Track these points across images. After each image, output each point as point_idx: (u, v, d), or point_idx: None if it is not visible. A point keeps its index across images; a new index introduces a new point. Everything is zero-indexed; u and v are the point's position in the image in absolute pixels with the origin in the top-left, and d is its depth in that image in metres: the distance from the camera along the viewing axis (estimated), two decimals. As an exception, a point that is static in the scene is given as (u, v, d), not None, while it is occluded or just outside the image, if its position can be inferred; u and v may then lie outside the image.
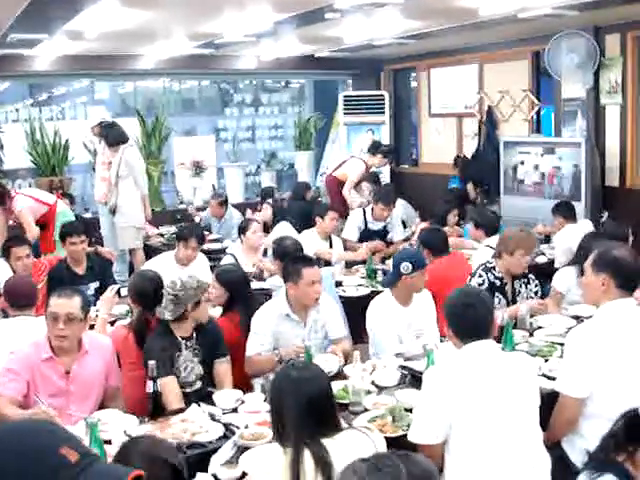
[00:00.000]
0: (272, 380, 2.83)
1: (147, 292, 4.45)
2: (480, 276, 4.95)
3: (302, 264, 4.48)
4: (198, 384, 4.08)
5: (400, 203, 9.36)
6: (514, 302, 4.97)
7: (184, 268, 6.04)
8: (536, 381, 3.25)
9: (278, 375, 2.82)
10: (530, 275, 5.20)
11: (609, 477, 2.25)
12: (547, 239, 7.61)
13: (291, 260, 4.66)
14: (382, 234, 7.53)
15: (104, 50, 9.44)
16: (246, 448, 3.16)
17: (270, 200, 8.92)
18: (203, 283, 4.18)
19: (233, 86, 13.30)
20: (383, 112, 11.38)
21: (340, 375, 4.05)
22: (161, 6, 6.50)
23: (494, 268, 5.03)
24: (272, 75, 12.87)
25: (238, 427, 3.40)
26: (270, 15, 7.01)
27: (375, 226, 7.53)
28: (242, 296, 4.82)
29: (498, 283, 4.98)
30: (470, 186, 9.31)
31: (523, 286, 5.10)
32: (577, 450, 3.32)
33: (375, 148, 9.58)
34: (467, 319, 3.19)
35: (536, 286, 5.19)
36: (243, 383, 4.26)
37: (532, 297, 5.06)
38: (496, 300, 4.78)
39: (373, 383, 3.96)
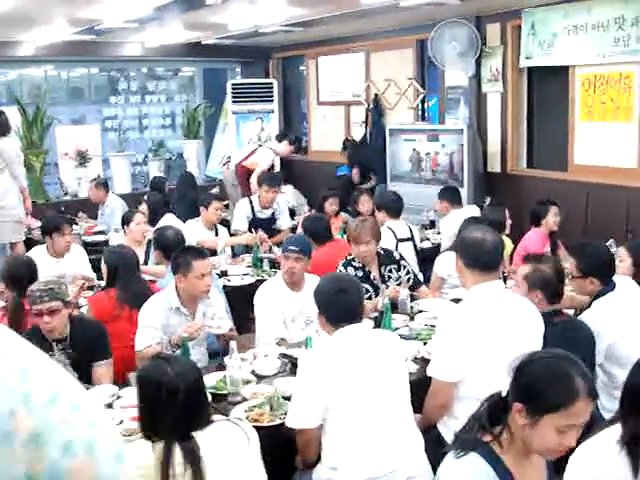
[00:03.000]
0: (139, 373, 2.75)
1: (21, 276, 4.30)
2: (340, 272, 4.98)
3: (192, 256, 4.36)
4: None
5: (289, 190, 9.40)
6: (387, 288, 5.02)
7: (60, 260, 5.85)
8: (403, 358, 3.33)
9: (146, 367, 2.74)
10: (402, 262, 5.27)
11: (474, 456, 2.27)
12: (432, 224, 7.74)
13: (180, 252, 4.56)
14: (270, 222, 7.50)
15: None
16: (120, 444, 3.07)
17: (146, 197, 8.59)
18: (59, 291, 3.91)
19: (123, 74, 12.98)
20: (272, 100, 11.35)
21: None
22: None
23: (353, 260, 5.09)
24: (158, 62, 12.65)
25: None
26: (150, 0, 6.86)
27: (263, 214, 7.49)
28: (122, 275, 4.75)
29: (361, 274, 5.03)
30: (355, 171, 9.39)
31: (393, 272, 5.17)
32: (451, 431, 3.35)
33: (283, 136, 9.70)
34: (339, 305, 3.19)
35: (408, 273, 5.26)
36: (121, 367, 4.17)
37: (402, 282, 5.12)
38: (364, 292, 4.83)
39: (253, 373, 3.93)
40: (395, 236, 6.27)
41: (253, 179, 8.92)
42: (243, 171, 9.50)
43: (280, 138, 9.65)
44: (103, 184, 8.76)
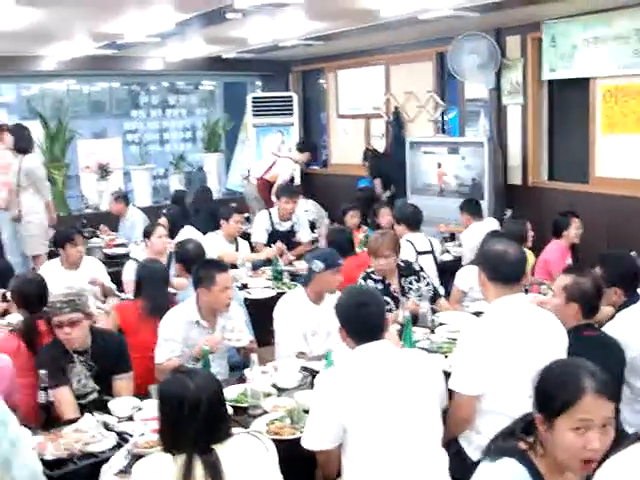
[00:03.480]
0: (160, 387, 2.75)
1: (29, 294, 4.32)
2: None
3: (215, 269, 4.37)
4: (93, 395, 3.93)
5: (310, 203, 9.41)
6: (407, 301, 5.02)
7: (74, 272, 5.89)
8: (438, 378, 3.20)
9: (167, 381, 2.74)
10: (422, 273, 5.26)
11: (510, 460, 2.26)
12: (452, 237, 7.71)
13: (202, 265, 4.58)
14: (290, 235, 7.51)
15: (3, 51, 9.16)
16: (142, 456, 3.08)
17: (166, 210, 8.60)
18: (80, 303, 3.91)
19: (143, 88, 13.09)
20: (292, 113, 11.38)
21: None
22: (57, 4, 6.32)
23: (373, 273, 5.08)
24: (180, 77, 12.76)
25: (132, 435, 3.32)
26: (171, 15, 6.92)
27: (282, 227, 7.50)
28: (149, 287, 4.84)
29: (381, 286, 5.02)
30: (378, 181, 9.39)
31: (414, 283, 5.16)
32: (474, 445, 3.34)
33: (302, 144, 9.88)
34: (361, 318, 3.14)
35: (427, 284, 5.26)
36: (142, 378, 4.18)
37: (422, 295, 5.11)
38: None
39: (274, 385, 3.92)
40: (415, 249, 6.26)
41: (275, 190, 8.98)
42: (265, 184, 9.58)
43: (301, 147, 9.82)
44: (123, 197, 8.83)
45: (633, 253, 5.47)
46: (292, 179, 9.65)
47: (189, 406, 2.54)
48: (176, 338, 4.30)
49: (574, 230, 6.19)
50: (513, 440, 2.33)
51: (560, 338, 3.44)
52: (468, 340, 3.41)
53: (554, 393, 2.24)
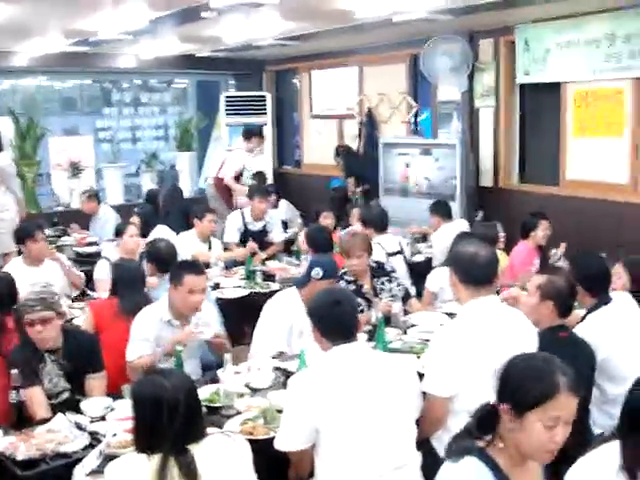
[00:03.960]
0: (135, 387, 2.74)
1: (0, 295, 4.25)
2: None
3: (186, 270, 4.33)
4: (65, 394, 3.91)
5: (283, 203, 9.40)
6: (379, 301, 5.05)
7: (36, 269, 5.83)
8: (412, 381, 3.21)
9: (142, 382, 2.73)
10: (393, 274, 5.30)
11: (471, 459, 2.28)
12: (424, 238, 7.76)
13: (177, 264, 4.61)
14: (262, 234, 7.51)
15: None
16: (115, 457, 3.07)
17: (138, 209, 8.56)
18: (52, 301, 3.91)
19: (116, 85, 13.01)
20: (265, 113, 11.35)
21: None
22: (30, 0, 6.27)
23: (345, 274, 5.11)
24: (153, 74, 12.68)
25: (104, 435, 3.31)
26: (146, 13, 6.88)
27: (255, 227, 7.50)
28: (125, 287, 4.82)
29: (353, 287, 5.05)
30: (351, 180, 9.37)
31: (385, 284, 5.20)
32: (445, 445, 3.37)
33: (248, 132, 9.78)
34: (334, 317, 3.16)
35: (399, 285, 5.30)
36: (116, 377, 4.17)
37: (395, 295, 5.15)
38: None
39: (247, 385, 3.92)
40: (385, 251, 6.29)
41: (229, 181, 9.07)
42: (220, 183, 9.54)
43: (248, 135, 9.76)
44: (95, 195, 8.77)
45: (603, 255, 5.54)
46: (264, 178, 9.58)
47: (167, 406, 2.54)
48: (148, 337, 4.29)
49: (541, 232, 6.25)
50: (471, 438, 2.35)
51: (531, 339, 3.49)
52: (441, 342, 3.44)
53: (527, 387, 2.27)
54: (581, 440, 2.71)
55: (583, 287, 4.12)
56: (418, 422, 3.24)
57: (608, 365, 3.90)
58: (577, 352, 3.65)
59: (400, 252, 6.52)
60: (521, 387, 2.28)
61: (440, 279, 5.47)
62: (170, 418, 2.53)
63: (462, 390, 3.29)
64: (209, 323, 4.46)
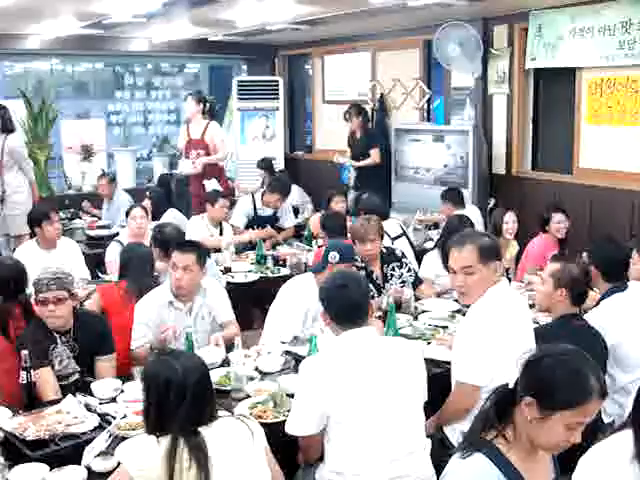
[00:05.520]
0: (146, 369, 2.74)
1: (3, 279, 4.22)
2: None
3: (175, 246, 4.48)
4: (75, 376, 3.91)
5: (294, 189, 9.39)
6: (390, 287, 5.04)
7: (51, 252, 5.85)
8: (420, 367, 3.21)
9: (152, 363, 2.73)
10: (404, 259, 5.29)
11: (479, 456, 2.26)
12: (436, 225, 7.73)
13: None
14: (272, 220, 7.50)
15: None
16: (123, 438, 3.08)
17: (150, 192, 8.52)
18: (67, 281, 3.92)
19: (128, 69, 13.00)
20: (277, 98, 11.33)
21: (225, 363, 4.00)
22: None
23: (355, 259, 5.10)
24: (165, 58, 12.66)
25: (114, 417, 3.31)
26: (159, -5, 6.87)
27: (265, 212, 7.48)
28: (134, 270, 4.83)
29: (363, 273, 5.02)
30: (375, 151, 9.23)
31: (396, 269, 5.18)
32: (458, 433, 3.36)
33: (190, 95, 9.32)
34: (342, 300, 3.15)
35: (409, 270, 5.28)
36: (125, 360, 4.19)
37: (405, 281, 5.14)
38: None
39: (257, 369, 3.93)
40: (389, 236, 6.28)
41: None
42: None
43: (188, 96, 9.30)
44: (113, 179, 8.77)
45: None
46: (270, 166, 9.45)
47: (176, 388, 2.54)
48: (148, 322, 4.32)
49: (555, 225, 6.20)
50: (486, 430, 2.31)
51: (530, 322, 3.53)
52: (474, 330, 3.40)
53: (561, 388, 2.22)
54: (592, 429, 2.69)
55: (599, 270, 4.11)
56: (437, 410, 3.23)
57: (619, 352, 3.89)
58: (593, 343, 3.64)
59: (403, 234, 6.53)
60: (555, 386, 2.23)
61: (434, 264, 5.47)
62: (178, 400, 2.53)
63: (492, 379, 3.25)
64: (214, 307, 4.47)
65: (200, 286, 4.51)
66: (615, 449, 2.46)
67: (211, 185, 8.35)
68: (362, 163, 9.08)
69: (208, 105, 9.28)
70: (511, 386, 2.32)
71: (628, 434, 2.46)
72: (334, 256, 4.49)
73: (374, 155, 9.06)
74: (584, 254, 4.33)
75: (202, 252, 4.53)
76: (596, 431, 2.66)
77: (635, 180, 7.19)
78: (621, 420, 3.50)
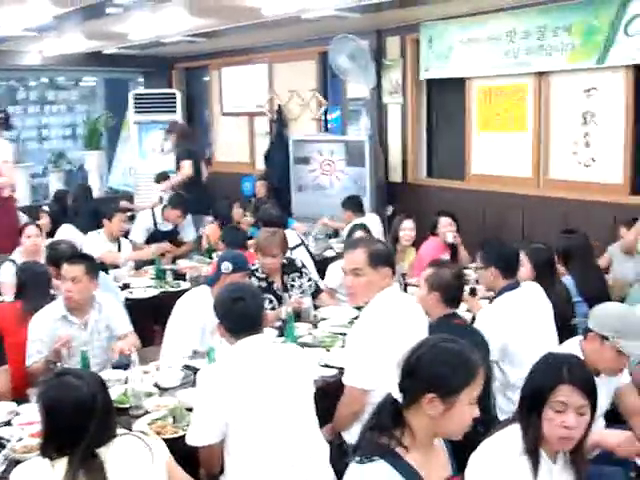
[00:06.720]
0: (43, 389, 2.66)
1: None
2: None
3: (64, 261, 4.43)
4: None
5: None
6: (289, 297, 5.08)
7: None
8: (309, 371, 3.29)
9: (50, 383, 2.67)
10: (303, 269, 5.34)
11: (379, 461, 2.27)
12: (336, 234, 7.83)
13: None
14: (173, 235, 7.44)
15: None
16: (19, 462, 3.01)
17: (46, 207, 8.34)
18: None
19: (21, 83, 12.69)
20: (175, 111, 11.24)
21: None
22: None
23: (257, 270, 5.13)
24: (59, 72, 12.42)
25: (9, 440, 3.24)
26: (49, 8, 6.74)
27: (165, 227, 7.42)
28: (31, 289, 4.70)
29: (264, 285, 5.07)
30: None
31: (296, 280, 5.24)
32: (356, 437, 3.41)
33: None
34: (237, 313, 3.19)
35: (309, 280, 5.35)
36: (20, 381, 4.09)
37: (305, 291, 5.20)
38: (267, 302, 4.88)
39: (156, 385, 3.90)
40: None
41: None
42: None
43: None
44: None
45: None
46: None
47: (84, 409, 2.48)
48: (42, 337, 4.23)
49: (442, 229, 6.37)
50: (381, 435, 2.33)
51: (425, 326, 3.61)
52: (359, 335, 3.46)
53: (454, 372, 2.28)
54: (486, 427, 2.79)
55: (498, 268, 4.23)
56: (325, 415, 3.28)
57: (510, 349, 4.03)
58: (474, 339, 3.76)
59: (302, 244, 6.59)
60: (446, 375, 2.27)
61: (337, 274, 5.54)
62: (85, 420, 2.46)
63: (381, 383, 3.31)
64: (111, 321, 4.44)
65: (94, 299, 4.45)
66: (504, 443, 2.56)
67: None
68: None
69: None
70: (395, 394, 2.35)
71: (517, 428, 2.56)
72: (227, 267, 4.50)
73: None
74: (478, 255, 4.46)
75: (91, 264, 4.48)
76: (491, 428, 2.75)
77: (524, 184, 7.46)
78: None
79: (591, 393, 2.55)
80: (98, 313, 4.42)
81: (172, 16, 7.51)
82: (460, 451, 2.60)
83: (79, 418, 2.46)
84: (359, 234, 5.76)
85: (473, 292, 4.96)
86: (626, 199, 6.72)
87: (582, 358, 2.95)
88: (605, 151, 6.85)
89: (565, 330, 4.25)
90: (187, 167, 8.58)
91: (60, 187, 10.58)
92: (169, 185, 8.66)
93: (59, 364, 4.00)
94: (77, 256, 4.64)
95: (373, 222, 7.17)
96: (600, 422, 3.37)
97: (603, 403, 3.23)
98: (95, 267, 4.52)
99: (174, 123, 9.51)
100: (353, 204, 7.40)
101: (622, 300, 4.92)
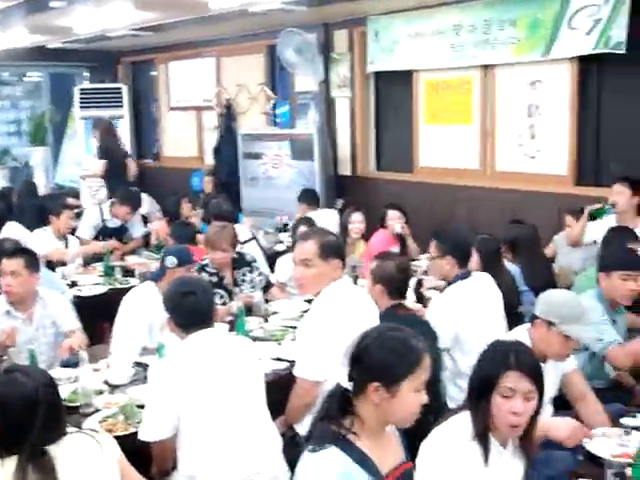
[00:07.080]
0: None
1: None
2: None
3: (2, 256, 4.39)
4: None
5: (144, 198, 9.25)
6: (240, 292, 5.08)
7: None
8: (257, 362, 3.33)
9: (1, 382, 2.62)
10: (254, 264, 5.35)
11: (331, 448, 2.29)
12: (285, 228, 7.83)
13: None
14: (121, 231, 7.37)
15: None
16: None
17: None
18: None
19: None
20: (121, 105, 11.14)
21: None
22: None
23: (207, 265, 5.13)
24: (3, 67, 12.18)
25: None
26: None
27: (114, 223, 7.35)
28: None
29: (215, 279, 5.07)
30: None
31: (247, 274, 5.24)
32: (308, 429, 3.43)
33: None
34: (187, 307, 3.20)
35: (260, 274, 5.36)
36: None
37: (255, 285, 5.21)
38: (217, 297, 4.87)
39: (106, 382, 3.86)
40: (238, 240, 6.32)
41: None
42: None
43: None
44: None
45: None
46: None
47: (31, 406, 2.45)
48: None
49: (390, 221, 6.43)
50: (331, 424, 2.35)
51: (376, 317, 3.64)
52: (311, 327, 3.48)
53: (397, 360, 2.29)
54: (436, 415, 2.82)
55: (455, 257, 4.27)
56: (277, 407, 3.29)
57: (461, 337, 4.09)
58: (421, 329, 3.81)
59: (253, 238, 6.59)
60: (389, 363, 2.29)
61: (288, 268, 5.55)
62: (32, 417, 2.43)
63: (332, 375, 3.33)
64: (57, 317, 4.41)
65: (37, 294, 4.41)
66: (454, 430, 2.60)
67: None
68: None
69: None
70: (344, 383, 2.36)
71: (466, 415, 2.60)
72: (172, 261, 4.49)
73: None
74: (432, 245, 4.47)
75: (31, 258, 4.43)
76: (441, 416, 2.79)
77: (471, 176, 7.55)
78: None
79: (538, 379, 2.60)
80: (42, 308, 4.38)
81: (117, 10, 7.42)
82: (411, 440, 2.64)
83: (24, 414, 2.44)
84: (303, 229, 5.77)
85: (420, 284, 5.02)
86: (571, 189, 6.83)
87: (530, 345, 3.01)
88: (550, 143, 6.95)
89: (512, 318, 4.34)
90: (97, 166, 9.07)
91: (5, 184, 10.42)
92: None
93: (5, 357, 3.98)
94: (16, 250, 4.57)
95: (329, 216, 7.18)
96: (548, 409, 3.43)
97: (550, 389, 3.29)
98: (35, 261, 4.47)
99: (99, 120, 9.58)
100: (308, 197, 7.44)
101: (568, 288, 5.01)
